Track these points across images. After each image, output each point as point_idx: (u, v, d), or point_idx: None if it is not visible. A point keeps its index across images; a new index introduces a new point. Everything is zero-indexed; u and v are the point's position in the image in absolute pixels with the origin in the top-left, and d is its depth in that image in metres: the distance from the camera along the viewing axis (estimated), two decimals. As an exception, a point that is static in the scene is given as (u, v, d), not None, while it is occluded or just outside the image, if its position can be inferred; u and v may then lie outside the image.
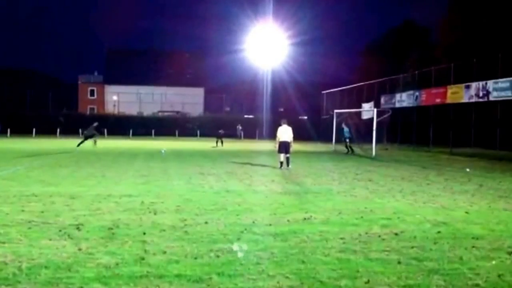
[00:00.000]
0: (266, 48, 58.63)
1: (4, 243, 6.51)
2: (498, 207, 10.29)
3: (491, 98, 29.67)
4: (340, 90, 50.50)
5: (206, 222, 8.07)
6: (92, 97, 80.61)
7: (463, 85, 32.24)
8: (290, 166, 18.41)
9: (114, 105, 74.13)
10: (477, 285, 5.27)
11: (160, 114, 70.28)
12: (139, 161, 21.16)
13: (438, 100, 35.01)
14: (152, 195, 11.01)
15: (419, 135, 37.24)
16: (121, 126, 57.26)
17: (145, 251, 6.26)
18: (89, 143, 28.55)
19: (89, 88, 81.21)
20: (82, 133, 28.59)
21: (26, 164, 18.55)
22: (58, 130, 52.76)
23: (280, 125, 19.22)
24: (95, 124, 30.11)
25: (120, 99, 75.26)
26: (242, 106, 75.64)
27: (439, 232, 7.74)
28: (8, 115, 54.51)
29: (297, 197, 11.28)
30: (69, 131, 53.03)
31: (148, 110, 70.30)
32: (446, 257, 6.29)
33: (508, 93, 28.11)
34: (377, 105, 38.46)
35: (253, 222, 8.21)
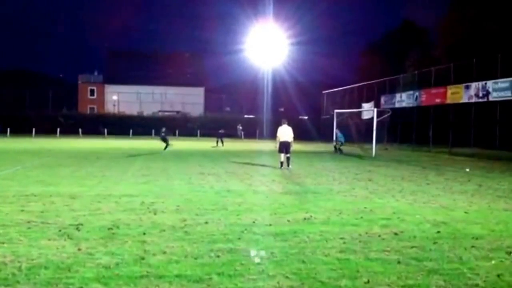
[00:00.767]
0: (267, 48, 58.63)
1: (3, 243, 6.51)
2: (497, 207, 10.29)
3: (490, 99, 29.68)
4: (340, 90, 50.53)
5: (206, 222, 8.07)
6: (92, 97, 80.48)
7: (463, 85, 32.25)
8: (290, 166, 18.41)
9: (114, 105, 74.11)
10: (477, 285, 5.27)
11: (160, 114, 70.29)
12: (139, 161, 21.16)
13: (438, 100, 35.02)
14: (152, 195, 11.01)
15: (419, 135, 37.25)
16: (121, 126, 57.27)
17: (145, 251, 6.25)
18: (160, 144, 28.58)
19: (89, 88, 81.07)
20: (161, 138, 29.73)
21: (26, 164, 18.55)
22: (58, 130, 52.77)
23: (280, 125, 19.22)
24: (164, 129, 30.97)
25: (120, 98, 75.24)
26: (242, 106, 75.64)
27: (438, 232, 7.74)
28: (8, 115, 54.49)
29: (298, 197, 11.28)
30: (69, 131, 53.14)
31: (148, 110, 70.31)
32: (445, 257, 6.30)
33: (508, 93, 28.12)
34: (377, 105, 38.47)
35: (254, 222, 8.21)
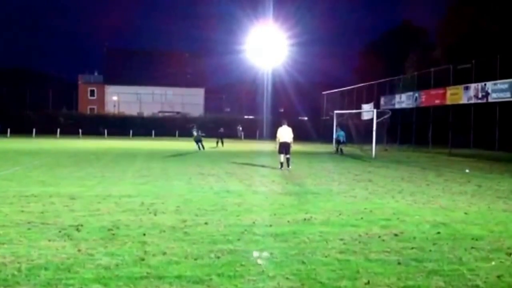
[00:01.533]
0: (266, 48, 58.65)
1: (3, 244, 6.50)
2: (497, 208, 10.30)
3: (490, 100, 29.71)
4: (340, 91, 50.55)
5: (206, 223, 8.07)
6: (92, 97, 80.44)
7: (462, 86, 32.29)
8: (290, 166, 18.42)
9: (114, 106, 74.11)
10: (477, 286, 5.28)
11: (160, 114, 70.29)
12: (139, 161, 21.15)
13: (437, 101, 35.05)
14: (152, 195, 11.00)
15: (419, 136, 37.26)
16: (121, 126, 57.25)
17: (145, 252, 6.25)
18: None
19: (89, 88, 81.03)
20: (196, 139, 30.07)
21: (26, 164, 18.54)
22: (58, 130, 52.75)
23: (280, 125, 19.23)
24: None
25: (120, 99, 75.26)
26: (242, 106, 75.67)
27: (438, 233, 7.74)
28: (7, 115, 54.42)
29: (297, 197, 11.28)
30: (69, 131, 53.11)
31: (148, 111, 70.30)
32: (445, 258, 6.30)
33: (507, 94, 28.15)
34: (377, 106, 38.48)
35: (253, 222, 8.21)
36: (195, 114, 66.79)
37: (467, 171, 19.18)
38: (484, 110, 31.77)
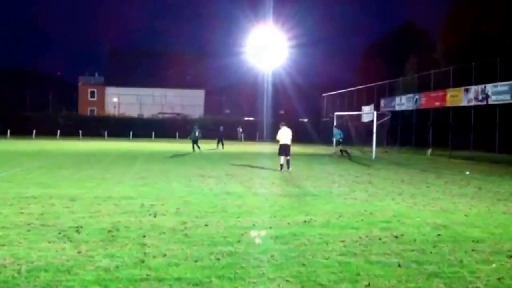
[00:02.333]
0: (267, 50, 58.68)
1: (3, 245, 6.49)
2: (497, 210, 10.30)
3: (490, 102, 29.73)
4: (340, 92, 50.57)
5: (206, 225, 8.07)
6: (93, 99, 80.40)
7: (463, 88, 32.29)
8: (290, 168, 18.41)
9: (115, 107, 74.11)
10: (477, 288, 5.27)
11: (160, 116, 70.26)
12: (139, 163, 21.14)
13: (437, 104, 35.06)
14: (152, 197, 10.99)
15: (419, 138, 37.27)
16: (121, 127, 57.22)
17: (145, 254, 6.25)
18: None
19: (90, 90, 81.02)
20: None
21: (25, 165, 18.53)
22: (58, 131, 52.73)
23: (279, 127, 19.23)
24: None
25: (120, 100, 75.26)
26: (242, 108, 75.66)
27: (439, 235, 7.74)
28: (7, 116, 54.39)
29: (297, 199, 11.27)
30: (69, 132, 53.09)
31: (148, 112, 70.30)
32: (446, 260, 6.30)
33: (507, 96, 28.16)
34: (377, 108, 38.51)
35: (253, 224, 8.20)
36: (195, 116, 66.76)
37: (467, 173, 19.18)
38: (484, 112, 31.79)
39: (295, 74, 67.72)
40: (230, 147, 37.22)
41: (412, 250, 6.72)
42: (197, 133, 30.79)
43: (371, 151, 28.36)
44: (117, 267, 5.67)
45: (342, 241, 7.14)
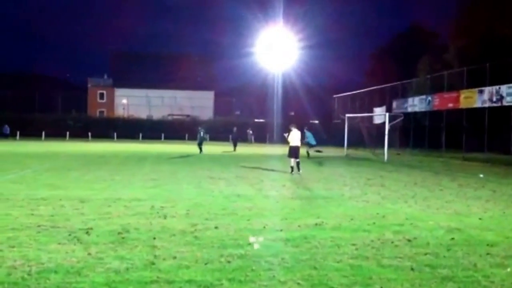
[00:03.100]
0: (277, 51, 58.58)
1: (13, 247, 6.48)
2: (512, 214, 10.15)
3: (504, 103, 29.36)
4: (351, 94, 50.34)
5: (216, 227, 8.01)
6: (102, 100, 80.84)
7: (476, 89, 31.96)
8: (301, 171, 18.31)
9: (124, 108, 74.45)
10: (493, 293, 5.17)
11: (169, 117, 70.46)
12: (148, 164, 21.16)
13: (450, 105, 34.73)
14: (162, 199, 10.96)
15: (432, 140, 36.95)
16: (130, 129, 57.48)
17: (155, 256, 6.20)
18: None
19: (99, 92, 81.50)
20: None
21: (35, 167, 18.61)
22: (68, 133, 53.07)
23: (290, 130, 19.13)
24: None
25: (129, 102, 75.61)
26: (252, 109, 75.66)
27: (452, 238, 7.62)
28: (17, 118, 54.80)
29: (308, 202, 11.19)
30: (78, 134, 53.41)
31: (158, 114, 70.52)
32: (460, 264, 6.20)
33: (522, 98, 27.82)
34: (389, 109, 38.25)
35: (264, 227, 8.13)
36: (205, 117, 66.88)
37: (481, 176, 18.96)
38: (498, 113, 31.42)
39: (305, 76, 67.66)
40: (240, 149, 37.21)
41: (426, 254, 6.62)
42: (202, 134, 30.83)
43: (383, 153, 28.18)
44: (127, 269, 5.63)
45: (354, 244, 7.05)
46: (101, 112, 76.71)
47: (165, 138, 55.70)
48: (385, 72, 53.80)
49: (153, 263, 5.87)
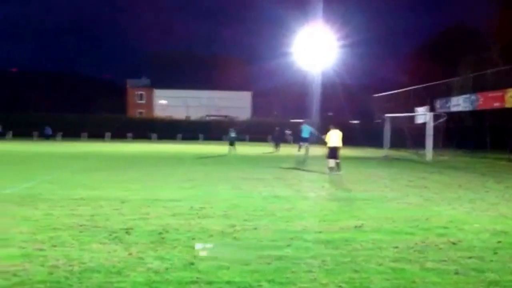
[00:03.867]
0: (315, 50, 58.12)
1: (55, 246, 6.61)
2: None
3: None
4: (392, 93, 49.47)
5: (255, 228, 7.97)
6: (141, 101, 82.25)
7: (523, 88, 30.89)
8: (340, 172, 18.09)
9: (162, 109, 75.48)
10: (543, 300, 4.96)
11: (207, 118, 70.97)
12: (185, 165, 21.31)
13: (496, 104, 33.63)
14: (200, 199, 10.99)
15: (476, 140, 35.95)
16: (169, 130, 58.11)
17: (194, 256, 6.22)
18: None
19: (138, 93, 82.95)
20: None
21: (74, 167, 19.00)
22: (107, 134, 54.13)
23: (328, 130, 18.94)
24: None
25: (167, 103, 76.59)
26: (290, 110, 75.42)
27: (499, 242, 7.38)
28: (58, 119, 56.06)
29: (348, 203, 11.03)
30: (118, 135, 54.43)
31: (196, 114, 71.13)
32: (507, 268, 6.01)
33: None
34: (431, 109, 37.38)
35: (303, 229, 8.05)
36: (243, 118, 66.98)
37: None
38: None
39: (344, 75, 66.87)
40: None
41: (471, 257, 6.42)
42: (232, 135, 30.88)
43: (426, 154, 27.59)
44: (167, 269, 5.66)
45: (396, 247, 6.89)
46: (140, 112, 78.04)
47: (203, 138, 56.14)
48: (426, 71, 52.68)
49: (192, 264, 5.88)
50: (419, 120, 38.11)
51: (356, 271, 5.73)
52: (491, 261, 6.30)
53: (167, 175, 16.66)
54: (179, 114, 70.06)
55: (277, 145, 35.57)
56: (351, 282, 5.34)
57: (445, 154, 33.59)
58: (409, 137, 33.74)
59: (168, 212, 9.29)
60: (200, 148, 38.78)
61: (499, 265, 6.09)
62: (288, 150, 38.58)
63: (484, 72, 36.04)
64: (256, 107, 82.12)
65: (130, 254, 6.27)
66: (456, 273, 5.74)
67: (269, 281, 5.30)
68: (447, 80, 41.01)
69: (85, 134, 53.16)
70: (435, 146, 31.60)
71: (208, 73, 79.35)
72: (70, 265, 5.72)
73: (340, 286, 5.22)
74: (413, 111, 40.10)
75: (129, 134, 55.27)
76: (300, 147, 28.82)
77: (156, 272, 5.54)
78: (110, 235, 7.31)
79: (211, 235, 7.41)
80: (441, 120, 31.66)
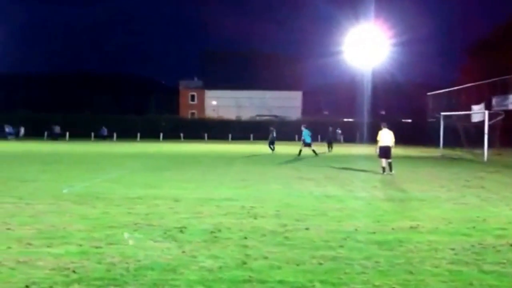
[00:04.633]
0: (366, 48, 57.23)
1: (112, 244, 6.79)
2: None
3: None
4: (446, 91, 48.07)
5: (307, 228, 7.93)
6: (193, 102, 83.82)
7: None
8: (393, 171, 17.74)
9: (214, 110, 76.37)
10: None
11: (258, 118, 71.16)
12: (238, 164, 21.46)
13: (557, 101, 32.16)
14: (252, 199, 11.05)
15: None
16: (220, 130, 58.67)
17: (247, 255, 6.25)
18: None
19: (190, 93, 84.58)
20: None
21: (131, 167, 19.48)
22: (162, 134, 55.18)
23: (380, 128, 18.60)
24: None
25: (219, 103, 77.44)
26: (340, 109, 74.63)
27: (562, 244, 7.02)
28: (113, 120, 57.51)
29: (402, 204, 10.80)
30: (171, 135, 55.40)
31: (246, 114, 71.52)
32: None
33: None
34: (488, 107, 36.09)
35: (356, 229, 7.94)
36: (293, 117, 66.68)
37: None
38: None
39: (396, 73, 65.58)
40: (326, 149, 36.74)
41: (532, 260, 6.15)
42: (274, 134, 30.82)
43: (483, 153, 26.67)
44: (220, 268, 5.72)
45: (452, 249, 6.70)
46: (192, 113, 79.34)
47: (254, 138, 56.34)
48: (482, 68, 50.90)
49: (245, 263, 5.92)
50: (475, 118, 36.84)
51: (410, 273, 5.60)
52: (554, 264, 6.02)
53: (220, 174, 16.83)
54: (230, 114, 70.67)
55: (330, 145, 35.10)
56: (405, 284, 5.23)
57: (502, 153, 32.33)
58: (464, 136, 32.66)
59: (221, 211, 9.38)
60: (251, 148, 38.97)
61: (562, 269, 5.81)
62: (339, 149, 38.19)
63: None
64: (306, 107, 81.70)
65: (183, 252, 6.37)
66: (516, 276, 5.52)
67: (321, 282, 5.26)
68: (504, 77, 39.43)
69: (140, 134, 54.40)
70: (492, 145, 30.48)
71: (258, 73, 79.50)
72: (126, 263, 5.87)
73: (394, 288, 5.13)
74: (469, 109, 38.83)
75: (182, 134, 56.16)
76: (314, 151, 27.96)
77: (210, 271, 5.60)
78: (165, 233, 7.45)
79: (263, 235, 7.43)
80: (498, 118, 30.48)
